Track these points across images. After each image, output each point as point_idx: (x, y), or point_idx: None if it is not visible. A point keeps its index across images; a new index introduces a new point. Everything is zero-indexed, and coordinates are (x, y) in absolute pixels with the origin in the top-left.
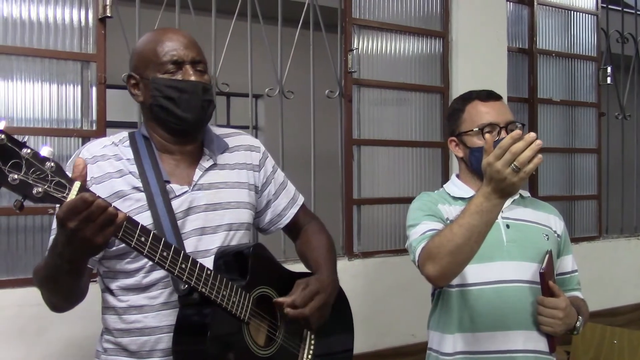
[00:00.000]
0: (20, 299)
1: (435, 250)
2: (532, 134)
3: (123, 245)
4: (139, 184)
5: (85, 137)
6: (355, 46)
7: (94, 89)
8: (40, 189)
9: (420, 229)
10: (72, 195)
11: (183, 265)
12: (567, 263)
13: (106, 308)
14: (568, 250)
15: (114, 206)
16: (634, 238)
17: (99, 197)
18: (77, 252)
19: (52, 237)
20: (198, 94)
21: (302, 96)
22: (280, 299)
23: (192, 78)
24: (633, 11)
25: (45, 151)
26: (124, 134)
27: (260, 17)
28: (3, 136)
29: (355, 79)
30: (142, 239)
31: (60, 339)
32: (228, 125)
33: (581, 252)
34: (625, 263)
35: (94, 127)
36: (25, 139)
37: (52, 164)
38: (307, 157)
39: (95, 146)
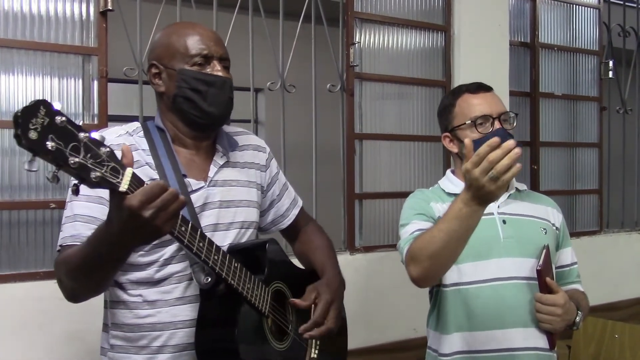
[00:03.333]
0: (23, 293)
1: (418, 252)
2: (511, 142)
3: None
4: (156, 176)
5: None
6: (357, 40)
7: (96, 83)
8: (98, 174)
9: (409, 229)
10: (126, 181)
11: (216, 257)
12: (566, 256)
13: (115, 302)
14: (567, 242)
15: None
16: (634, 232)
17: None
18: (139, 239)
19: (65, 226)
20: (225, 89)
21: (303, 90)
22: (297, 301)
23: (220, 74)
24: (635, 5)
25: (96, 136)
26: (136, 124)
27: (262, 10)
28: (64, 118)
29: (357, 73)
30: (183, 228)
31: (63, 333)
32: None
33: (582, 247)
34: (626, 257)
35: (96, 121)
36: (81, 122)
37: (107, 149)
38: (308, 152)
39: (110, 135)
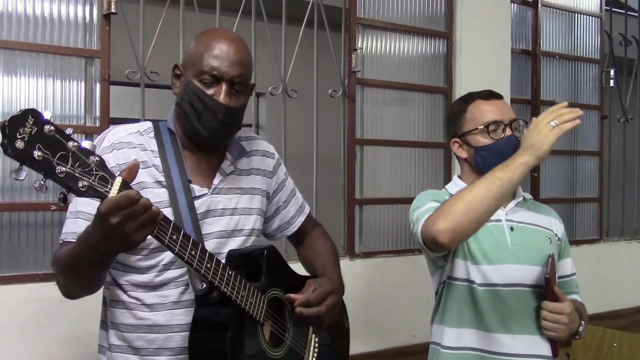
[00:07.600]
0: (22, 294)
1: (450, 206)
2: (578, 109)
3: None
4: (162, 179)
5: (88, 133)
6: (359, 46)
7: (98, 86)
8: (85, 183)
9: (427, 207)
10: (114, 190)
11: (209, 265)
12: (566, 266)
13: (114, 301)
14: (567, 253)
15: (155, 205)
16: (634, 241)
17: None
18: (112, 246)
19: (68, 221)
20: (218, 116)
21: (305, 95)
22: (293, 295)
23: (222, 98)
24: (636, 14)
25: (86, 144)
26: (148, 123)
27: (265, 15)
28: (52, 127)
29: (359, 79)
30: (174, 236)
31: (62, 334)
32: None
33: (582, 255)
34: (626, 266)
35: (97, 124)
36: (70, 131)
37: (97, 158)
38: (309, 157)
39: (121, 132)
